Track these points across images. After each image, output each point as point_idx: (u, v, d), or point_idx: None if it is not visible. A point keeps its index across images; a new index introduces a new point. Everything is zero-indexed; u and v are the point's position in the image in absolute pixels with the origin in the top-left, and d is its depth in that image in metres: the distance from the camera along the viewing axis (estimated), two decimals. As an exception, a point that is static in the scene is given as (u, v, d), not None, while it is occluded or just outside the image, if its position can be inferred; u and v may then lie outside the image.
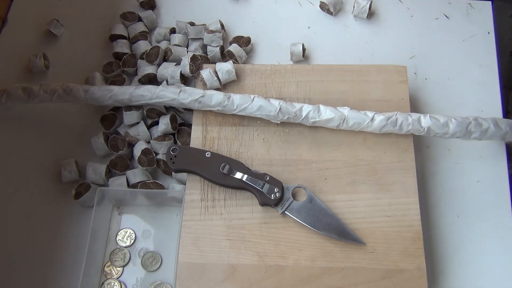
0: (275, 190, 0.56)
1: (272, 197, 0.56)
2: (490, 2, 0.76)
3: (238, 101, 0.60)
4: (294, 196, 0.57)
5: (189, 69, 0.65)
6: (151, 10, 0.75)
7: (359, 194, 0.58)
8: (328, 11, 0.75)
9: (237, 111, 0.61)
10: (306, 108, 0.60)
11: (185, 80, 0.67)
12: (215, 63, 0.65)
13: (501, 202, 0.63)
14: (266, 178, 0.57)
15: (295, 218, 0.56)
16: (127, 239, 0.61)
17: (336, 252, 0.55)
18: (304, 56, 0.71)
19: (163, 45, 0.71)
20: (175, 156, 0.58)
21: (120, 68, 0.70)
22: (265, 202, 0.56)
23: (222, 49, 0.71)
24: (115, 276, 0.59)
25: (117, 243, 0.61)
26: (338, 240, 0.55)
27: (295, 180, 0.59)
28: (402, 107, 0.62)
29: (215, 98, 0.61)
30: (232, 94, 0.61)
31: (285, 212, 0.56)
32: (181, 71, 0.66)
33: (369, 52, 0.73)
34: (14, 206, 0.63)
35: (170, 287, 0.58)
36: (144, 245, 0.61)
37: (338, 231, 0.55)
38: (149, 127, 0.66)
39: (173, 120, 0.64)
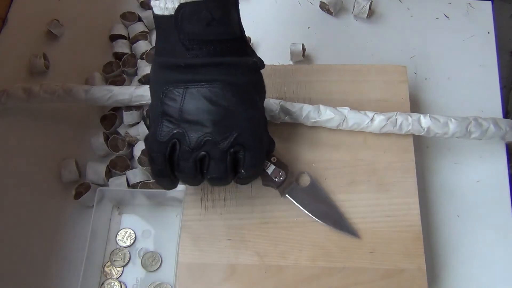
0: (280, 173, 0.56)
1: (276, 180, 0.56)
2: (490, 2, 0.76)
3: (238, 101, 0.60)
4: (297, 180, 0.58)
5: (189, 69, 0.65)
6: (151, 10, 0.75)
7: (359, 194, 0.58)
8: (328, 11, 0.75)
9: (237, 111, 0.61)
10: (306, 108, 0.60)
11: (185, 80, 0.67)
12: (215, 63, 0.65)
13: (501, 202, 0.63)
14: (274, 160, 0.56)
15: (295, 202, 0.56)
16: (127, 239, 0.61)
17: (336, 252, 0.55)
18: (304, 56, 0.71)
19: (163, 45, 0.71)
20: (175, 156, 0.58)
21: (120, 68, 0.70)
22: (267, 183, 0.56)
23: (222, 49, 0.71)
24: (115, 276, 0.59)
25: (117, 243, 0.61)
26: (333, 229, 0.55)
27: (295, 180, 0.59)
28: (402, 107, 0.62)
29: (215, 98, 0.60)
30: (232, 94, 0.61)
31: (287, 195, 0.56)
32: (181, 71, 0.66)
33: (369, 52, 0.73)
34: (14, 206, 0.63)
35: (170, 287, 0.58)
36: (144, 245, 0.61)
37: (334, 220, 0.55)
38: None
39: (173, 120, 0.64)
